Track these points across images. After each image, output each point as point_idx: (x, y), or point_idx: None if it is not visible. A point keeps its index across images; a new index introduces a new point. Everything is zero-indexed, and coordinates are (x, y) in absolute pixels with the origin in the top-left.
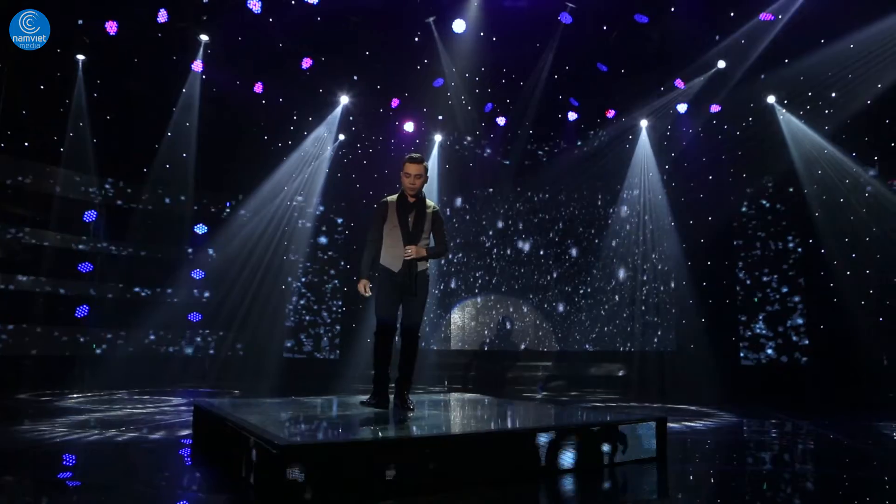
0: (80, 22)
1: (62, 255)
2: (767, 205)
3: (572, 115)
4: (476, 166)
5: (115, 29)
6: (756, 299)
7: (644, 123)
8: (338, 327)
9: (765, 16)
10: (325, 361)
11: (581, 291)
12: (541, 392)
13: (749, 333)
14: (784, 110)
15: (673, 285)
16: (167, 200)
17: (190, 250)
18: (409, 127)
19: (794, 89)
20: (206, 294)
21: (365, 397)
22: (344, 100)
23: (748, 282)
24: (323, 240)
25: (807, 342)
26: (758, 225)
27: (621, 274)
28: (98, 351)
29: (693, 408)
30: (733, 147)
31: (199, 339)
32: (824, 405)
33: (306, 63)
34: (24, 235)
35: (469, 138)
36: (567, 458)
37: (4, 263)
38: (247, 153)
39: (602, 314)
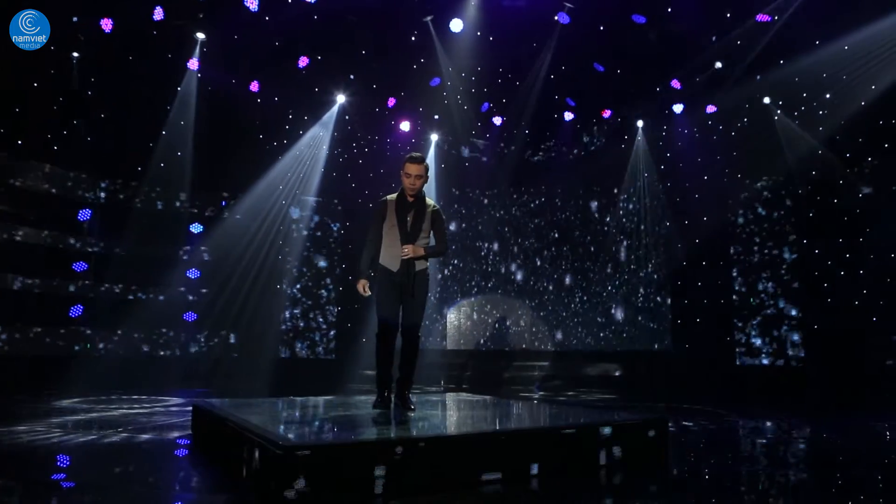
0: (76, 19)
1: (56, 254)
2: (763, 205)
3: (568, 116)
4: (472, 166)
5: (110, 26)
6: (752, 300)
7: (640, 124)
8: (332, 332)
9: (761, 17)
10: (321, 361)
11: (577, 291)
12: (537, 392)
13: (745, 334)
14: (779, 111)
15: (668, 285)
16: (162, 200)
17: (185, 249)
18: (405, 126)
19: (789, 90)
20: (202, 293)
21: (364, 398)
22: (340, 99)
23: (744, 282)
24: (318, 238)
25: (802, 343)
26: (753, 225)
27: (617, 274)
28: (93, 351)
29: (689, 408)
30: (729, 148)
31: (194, 338)
32: (821, 405)
33: (303, 62)
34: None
35: (469, 148)
36: (567, 458)
37: None
38: (243, 152)
39: (598, 314)
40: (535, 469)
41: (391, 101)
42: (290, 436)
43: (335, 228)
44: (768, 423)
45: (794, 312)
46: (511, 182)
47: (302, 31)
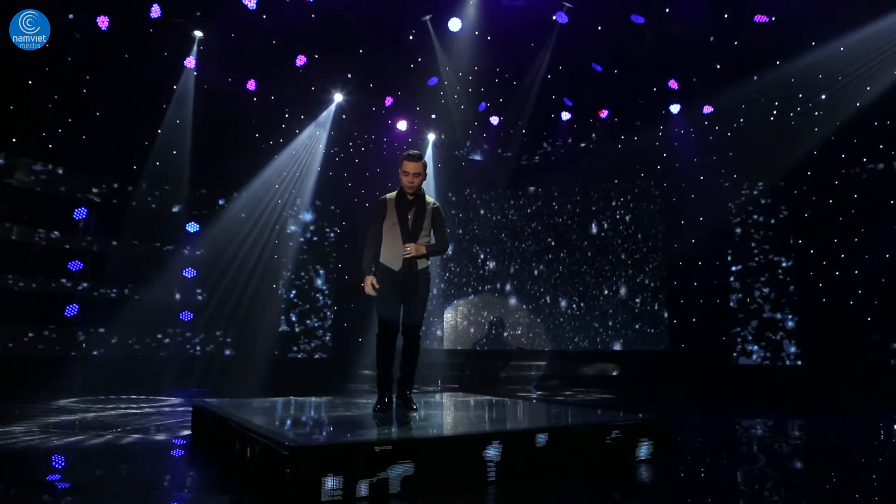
0: (71, 17)
1: (51, 253)
2: (759, 206)
3: (566, 115)
4: (469, 166)
5: (106, 24)
6: (748, 299)
7: (637, 124)
8: (328, 335)
9: (759, 17)
10: (318, 361)
11: (575, 291)
12: (535, 392)
13: (742, 333)
14: (774, 112)
15: (666, 285)
16: (159, 199)
17: (183, 249)
18: (402, 125)
19: (786, 91)
20: (198, 293)
21: (365, 401)
22: (337, 98)
23: (740, 282)
24: (314, 238)
25: (798, 343)
26: (750, 225)
27: (615, 273)
28: (88, 350)
29: (687, 408)
30: (726, 148)
31: (190, 338)
32: (817, 405)
33: (300, 60)
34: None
35: (466, 149)
36: (566, 458)
37: None
38: (240, 151)
39: (596, 313)
40: (534, 469)
41: (388, 101)
42: (293, 436)
43: (331, 229)
44: (766, 423)
45: (790, 313)
46: (509, 181)
47: (300, 29)
